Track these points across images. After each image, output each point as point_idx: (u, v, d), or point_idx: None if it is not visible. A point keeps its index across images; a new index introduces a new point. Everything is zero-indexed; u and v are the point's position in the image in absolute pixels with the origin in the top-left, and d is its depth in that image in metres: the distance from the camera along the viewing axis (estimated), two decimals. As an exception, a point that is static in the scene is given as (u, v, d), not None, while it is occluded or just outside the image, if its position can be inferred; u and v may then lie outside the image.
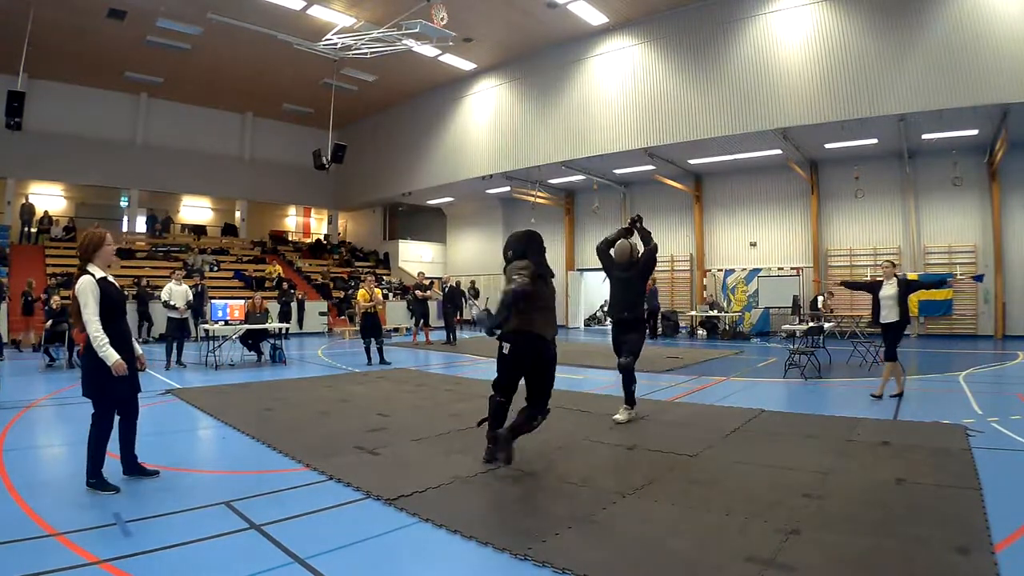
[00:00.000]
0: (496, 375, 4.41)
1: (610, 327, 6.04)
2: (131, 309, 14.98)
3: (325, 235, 27.70)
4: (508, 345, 4.19)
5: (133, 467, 3.97)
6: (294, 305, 17.78)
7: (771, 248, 17.19)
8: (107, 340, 3.65)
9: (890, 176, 15.18)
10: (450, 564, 2.81)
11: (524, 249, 4.32)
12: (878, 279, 7.19)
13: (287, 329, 12.31)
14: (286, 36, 14.60)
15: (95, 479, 3.70)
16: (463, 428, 5.50)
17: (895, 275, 6.91)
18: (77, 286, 3.69)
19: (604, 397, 7.24)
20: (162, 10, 14.28)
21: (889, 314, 6.78)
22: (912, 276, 14.56)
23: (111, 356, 3.63)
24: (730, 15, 13.85)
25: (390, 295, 20.88)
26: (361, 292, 11.29)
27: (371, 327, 10.94)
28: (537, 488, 3.79)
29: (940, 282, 7.81)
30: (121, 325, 3.86)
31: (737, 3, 13.78)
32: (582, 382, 8.68)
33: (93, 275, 3.74)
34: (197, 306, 11.59)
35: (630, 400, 5.90)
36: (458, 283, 21.63)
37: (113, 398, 3.79)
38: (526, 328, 4.15)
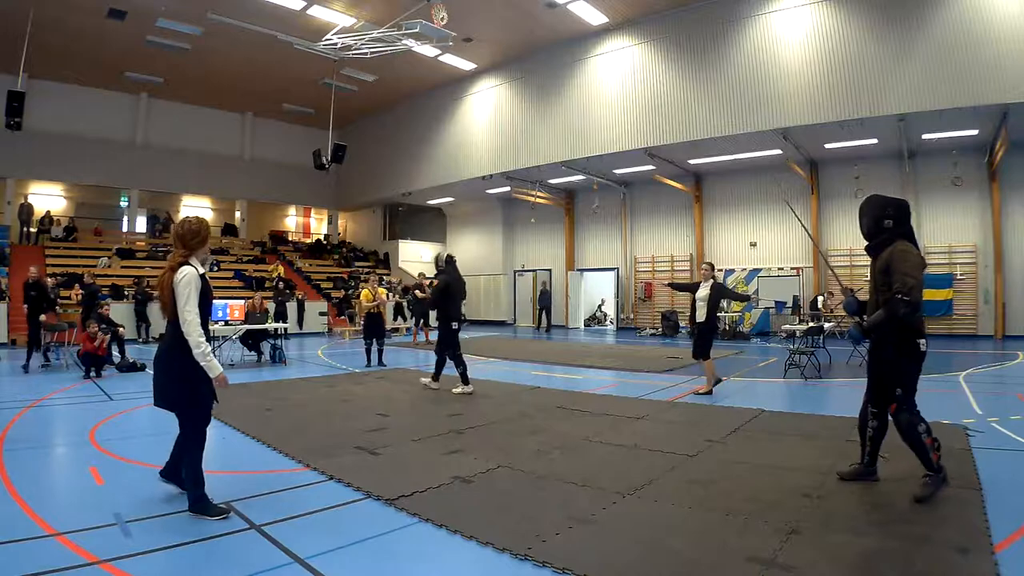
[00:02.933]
0: (910, 385, 3.53)
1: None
2: (130, 309, 14.99)
3: (325, 235, 27.70)
4: (924, 341, 3.52)
5: (175, 475, 3.61)
6: (291, 305, 17.71)
7: (771, 248, 17.19)
8: (210, 348, 3.33)
9: (890, 176, 15.17)
10: (450, 564, 2.80)
11: (906, 226, 3.63)
12: (697, 281, 7.68)
13: (286, 329, 12.30)
14: (286, 36, 14.59)
15: (200, 503, 3.30)
16: (463, 428, 5.50)
17: (712, 278, 7.37)
18: (179, 277, 3.27)
19: (604, 397, 7.24)
20: (162, 10, 14.30)
21: (700, 314, 7.27)
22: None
23: (215, 367, 3.30)
24: (730, 15, 13.85)
25: (392, 294, 20.86)
26: (364, 292, 11.15)
27: (373, 327, 10.81)
28: (537, 488, 3.79)
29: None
30: (206, 329, 3.46)
31: (737, 3, 13.78)
32: (582, 382, 8.68)
33: (196, 268, 3.37)
34: None
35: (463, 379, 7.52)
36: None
37: (203, 407, 3.43)
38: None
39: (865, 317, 3.73)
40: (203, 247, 3.45)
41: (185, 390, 3.33)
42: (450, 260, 7.96)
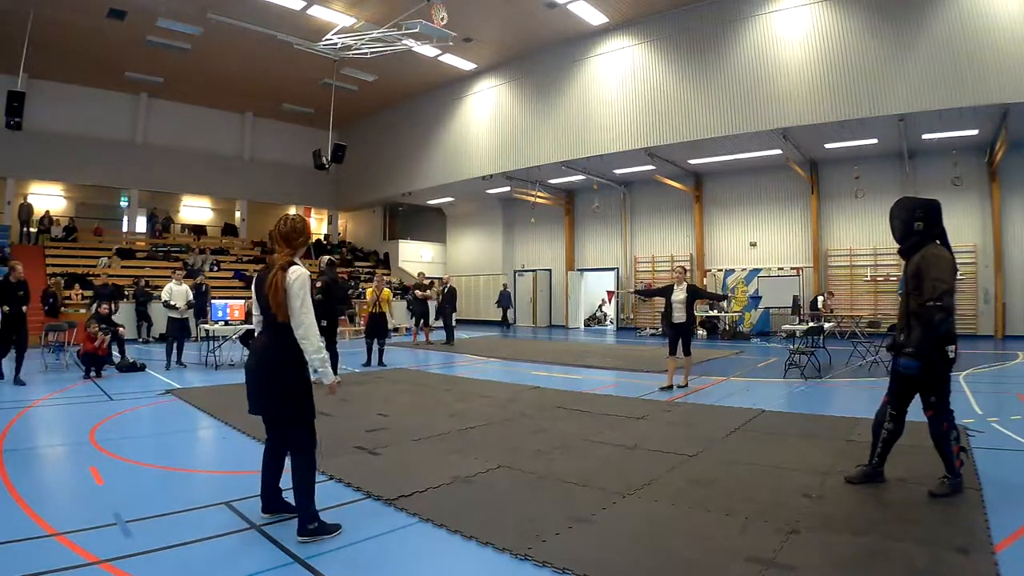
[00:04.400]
0: (945, 392, 3.57)
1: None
2: (130, 309, 14.97)
3: (325, 235, 27.70)
4: (953, 348, 3.54)
5: (277, 502, 3.31)
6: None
7: (771, 248, 17.20)
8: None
9: (890, 176, 15.18)
10: (450, 564, 2.80)
11: (939, 228, 3.59)
12: (668, 284, 7.99)
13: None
14: (286, 36, 14.60)
15: (315, 523, 3.02)
16: (463, 428, 5.50)
17: (685, 281, 7.80)
18: (293, 277, 3.03)
19: (604, 397, 7.24)
20: (162, 10, 14.29)
21: (679, 316, 7.64)
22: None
23: (330, 373, 3.11)
24: (730, 15, 13.85)
25: (396, 296, 20.85)
26: (369, 291, 11.14)
27: (373, 327, 10.85)
28: (537, 488, 3.79)
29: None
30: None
31: (737, 3, 13.78)
32: (582, 382, 8.68)
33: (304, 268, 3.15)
34: (200, 305, 11.59)
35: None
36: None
37: (310, 424, 3.17)
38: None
39: (901, 337, 3.65)
40: (304, 247, 3.25)
41: (292, 402, 3.06)
42: (331, 264, 8.82)
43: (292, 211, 23.51)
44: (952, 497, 3.44)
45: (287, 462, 3.18)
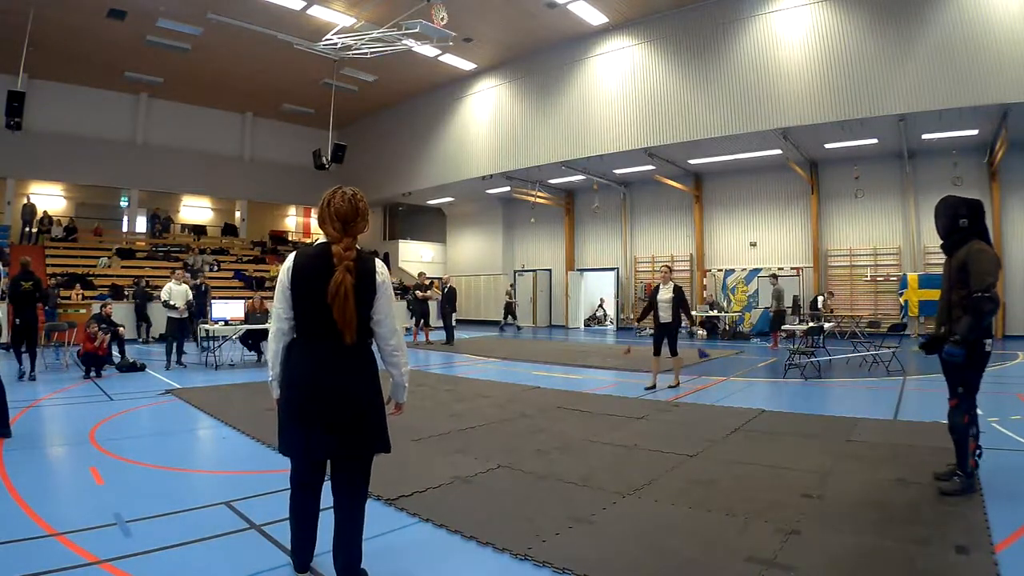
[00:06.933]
0: (974, 385, 3.65)
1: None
2: (129, 309, 14.97)
3: (325, 235, 27.68)
4: (990, 341, 3.67)
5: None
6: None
7: (771, 248, 17.20)
8: None
9: (890, 176, 15.19)
10: (450, 564, 2.81)
11: (981, 224, 3.69)
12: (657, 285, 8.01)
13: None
14: (286, 36, 14.61)
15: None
16: (463, 428, 5.50)
17: (671, 281, 7.81)
18: (384, 276, 2.39)
19: (604, 397, 7.24)
20: (162, 10, 14.30)
21: (665, 315, 7.64)
22: (912, 277, 14.61)
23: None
24: (730, 15, 13.86)
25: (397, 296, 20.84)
26: None
27: None
28: (537, 488, 3.79)
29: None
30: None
31: (737, 3, 13.78)
32: (582, 382, 8.68)
33: None
34: (200, 305, 11.58)
35: None
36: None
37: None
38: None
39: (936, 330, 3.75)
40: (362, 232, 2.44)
41: (385, 427, 2.48)
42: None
43: (292, 211, 23.38)
44: (956, 496, 3.43)
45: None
